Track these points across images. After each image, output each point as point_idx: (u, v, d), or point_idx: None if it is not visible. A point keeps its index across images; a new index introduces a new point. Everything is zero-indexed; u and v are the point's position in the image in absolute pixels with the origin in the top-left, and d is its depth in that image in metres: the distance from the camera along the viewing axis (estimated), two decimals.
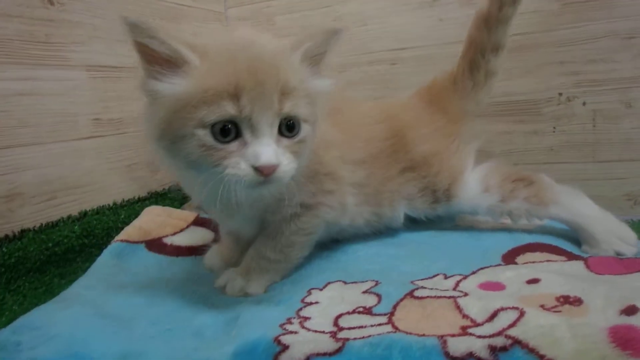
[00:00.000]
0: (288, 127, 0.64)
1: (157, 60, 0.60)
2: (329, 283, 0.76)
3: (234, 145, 0.60)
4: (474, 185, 0.91)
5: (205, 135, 0.59)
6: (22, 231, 0.92)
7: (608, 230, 0.83)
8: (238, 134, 0.61)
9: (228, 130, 0.60)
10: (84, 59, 1.07)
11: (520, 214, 0.89)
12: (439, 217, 0.96)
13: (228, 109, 0.59)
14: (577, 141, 1.21)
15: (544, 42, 1.19)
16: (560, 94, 1.20)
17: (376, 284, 0.73)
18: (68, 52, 1.03)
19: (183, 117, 0.59)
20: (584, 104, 1.19)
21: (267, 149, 0.60)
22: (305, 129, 0.66)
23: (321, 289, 0.74)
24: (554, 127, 1.22)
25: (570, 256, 0.80)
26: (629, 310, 0.56)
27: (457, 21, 1.25)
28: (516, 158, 1.26)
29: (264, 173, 0.60)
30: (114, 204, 1.12)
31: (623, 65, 1.14)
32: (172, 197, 1.27)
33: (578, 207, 0.87)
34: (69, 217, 1.01)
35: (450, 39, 1.26)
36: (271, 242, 0.80)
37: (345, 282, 0.76)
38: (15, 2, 0.93)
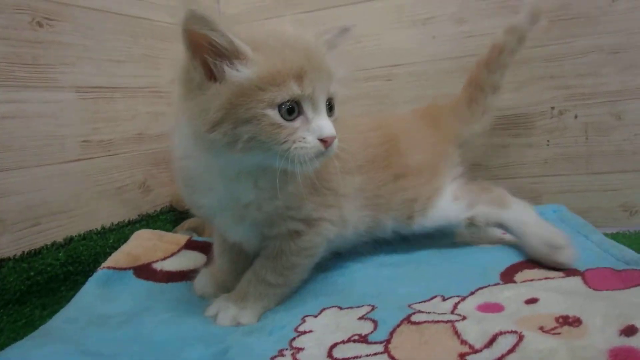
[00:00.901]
0: (329, 108, 0.71)
1: (214, 51, 0.64)
2: (324, 309, 0.74)
3: (298, 122, 0.66)
4: (447, 197, 0.95)
5: (275, 115, 0.65)
6: (1, 260, 0.88)
7: (542, 241, 0.84)
8: (299, 112, 0.67)
9: (292, 109, 0.66)
10: (73, 80, 1.05)
11: (482, 220, 0.93)
12: (413, 235, 0.96)
13: (295, 89, 0.65)
14: (571, 153, 1.22)
15: (534, 57, 1.21)
16: (553, 108, 1.22)
17: (372, 309, 0.72)
18: (56, 73, 1.02)
19: (251, 100, 0.64)
20: (575, 117, 1.20)
21: (328, 122, 0.68)
22: (337, 109, 0.73)
23: (316, 316, 0.72)
24: (548, 140, 1.24)
25: (568, 271, 0.79)
26: (629, 331, 0.56)
27: (450, 38, 1.28)
28: (512, 171, 1.27)
29: (327, 143, 0.67)
30: (103, 228, 1.09)
31: (610, 78, 1.17)
32: (164, 219, 1.25)
33: (523, 216, 0.91)
34: (53, 243, 0.97)
35: (443, 56, 1.29)
36: (271, 263, 0.79)
37: (340, 308, 0.74)
38: (1, 25, 0.91)
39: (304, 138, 0.66)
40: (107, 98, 1.13)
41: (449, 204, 0.94)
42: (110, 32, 1.14)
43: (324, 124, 0.67)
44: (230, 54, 0.64)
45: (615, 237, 0.96)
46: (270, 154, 0.66)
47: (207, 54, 0.64)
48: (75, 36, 1.05)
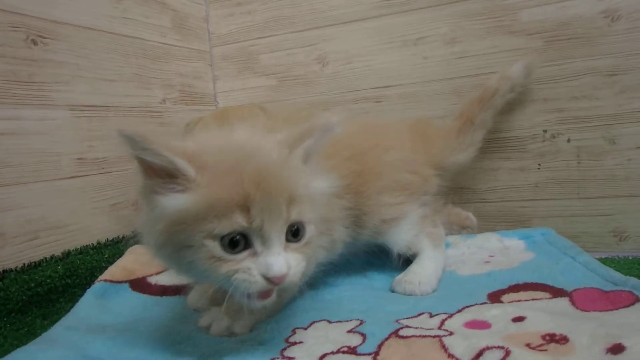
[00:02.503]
0: (294, 233, 0.63)
1: (156, 172, 0.59)
2: (313, 322, 0.75)
3: (243, 255, 0.59)
4: (408, 222, 0.95)
5: (214, 247, 0.58)
6: (4, 272, 0.90)
7: (421, 278, 0.88)
8: (247, 245, 0.60)
9: (237, 242, 0.59)
10: (67, 99, 1.07)
11: (412, 248, 0.95)
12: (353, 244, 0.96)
13: (239, 221, 0.57)
14: (562, 178, 1.21)
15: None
16: (545, 131, 1.21)
17: (361, 323, 0.73)
18: (51, 91, 1.03)
19: (190, 229, 0.58)
20: (568, 140, 1.19)
21: (279, 258, 0.59)
22: (310, 231, 0.65)
23: (305, 328, 0.73)
24: (539, 164, 1.22)
25: (555, 292, 0.79)
26: (616, 349, 0.56)
27: (441, 59, 1.27)
28: (501, 194, 1.26)
29: (275, 282, 0.59)
30: (98, 243, 1.11)
31: (605, 102, 1.15)
32: None
33: (435, 260, 0.93)
34: (52, 257, 0.99)
35: (434, 77, 1.29)
36: None
37: (329, 322, 0.75)
38: None
39: (249, 269, 0.59)
40: (100, 117, 1.15)
41: (404, 231, 0.94)
42: (102, 51, 1.16)
43: (272, 262, 0.58)
44: (172, 175, 0.58)
45: (604, 262, 0.94)
46: (214, 280, 0.61)
47: (153, 176, 0.60)
48: (68, 55, 1.07)
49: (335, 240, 0.86)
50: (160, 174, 0.59)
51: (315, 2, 1.39)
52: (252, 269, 0.59)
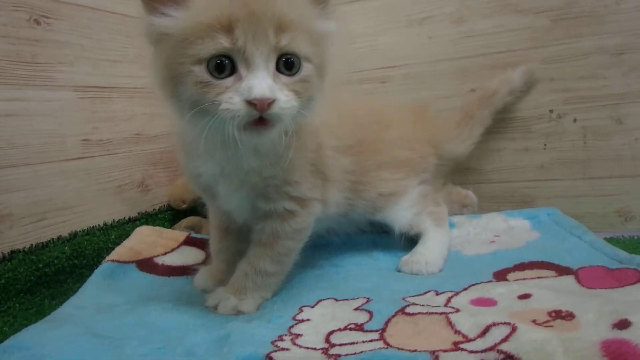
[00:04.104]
0: (287, 64, 0.62)
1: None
2: (320, 301, 0.76)
3: (229, 81, 0.60)
4: (407, 200, 0.97)
5: (201, 72, 0.59)
6: (12, 252, 0.91)
7: (427, 258, 0.89)
8: (234, 70, 0.60)
9: (223, 66, 0.59)
10: (71, 79, 1.06)
11: (415, 227, 0.95)
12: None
13: (222, 42, 0.58)
14: (568, 158, 1.20)
15: (533, 58, 1.19)
16: (551, 111, 1.20)
17: (367, 301, 0.73)
18: (55, 72, 1.03)
19: (180, 55, 0.59)
20: (574, 120, 1.18)
21: (261, 82, 0.59)
22: (306, 68, 0.64)
23: (312, 307, 0.74)
24: (545, 144, 1.21)
25: (560, 270, 0.80)
26: (621, 325, 0.56)
27: (447, 39, 1.26)
28: (506, 175, 1.25)
29: (257, 107, 0.58)
30: (105, 224, 1.11)
31: (613, 81, 1.14)
32: (163, 217, 1.27)
33: (441, 239, 0.94)
34: (59, 238, 1.00)
35: (439, 57, 1.27)
36: (268, 251, 0.79)
37: (336, 300, 0.76)
38: (0, 22, 0.93)
39: (230, 98, 0.59)
40: (104, 98, 1.15)
41: (405, 208, 0.96)
42: (106, 32, 1.15)
43: (253, 84, 0.58)
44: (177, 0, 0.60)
45: (609, 242, 0.94)
46: (209, 118, 0.60)
47: (155, 6, 0.61)
48: (72, 35, 1.07)
49: (327, 199, 0.85)
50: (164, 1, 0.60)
51: None
52: (234, 97, 0.59)
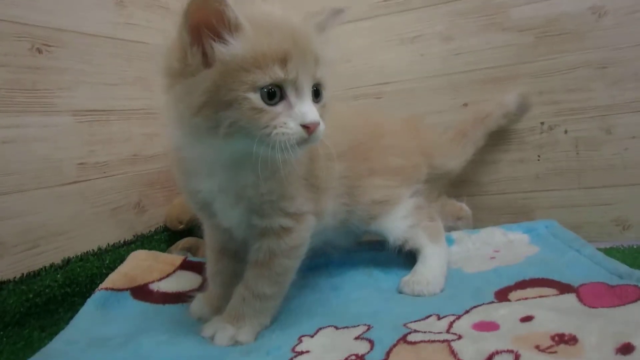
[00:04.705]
0: (315, 93, 0.70)
1: (214, 29, 0.64)
2: (320, 329, 0.75)
3: (280, 107, 0.65)
4: (401, 210, 0.97)
5: (256, 99, 0.64)
6: (1, 283, 0.89)
7: (428, 278, 0.89)
8: (282, 97, 0.66)
9: (274, 93, 0.65)
10: (70, 104, 1.06)
11: (410, 242, 0.95)
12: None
13: (278, 73, 0.64)
14: (562, 168, 1.22)
15: (522, 73, 1.22)
16: (542, 123, 1.22)
17: (368, 329, 0.72)
18: (54, 97, 1.03)
19: (234, 82, 0.63)
20: (565, 132, 1.21)
21: (312, 108, 0.67)
22: (326, 95, 0.73)
23: (312, 336, 0.73)
24: (539, 155, 1.24)
25: (562, 287, 0.79)
26: (625, 349, 0.56)
27: (437, 56, 1.30)
28: (503, 187, 1.27)
29: (310, 130, 0.66)
30: (99, 249, 1.10)
31: (599, 93, 1.17)
32: (159, 239, 1.25)
33: (438, 257, 0.94)
34: (51, 265, 0.98)
35: (431, 73, 1.31)
36: (265, 271, 0.78)
37: (336, 328, 0.74)
38: (2, 52, 0.93)
39: (285, 123, 0.65)
40: (102, 121, 1.14)
41: (398, 218, 0.96)
42: (105, 56, 1.16)
43: (307, 110, 0.66)
44: (230, 28, 0.64)
45: (608, 252, 0.95)
46: (252, 140, 0.65)
47: (205, 37, 0.64)
48: (72, 61, 1.07)
49: (321, 209, 0.86)
50: (219, 30, 0.64)
51: (313, 3, 1.36)
52: (289, 122, 0.65)
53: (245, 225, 0.80)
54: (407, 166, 1.02)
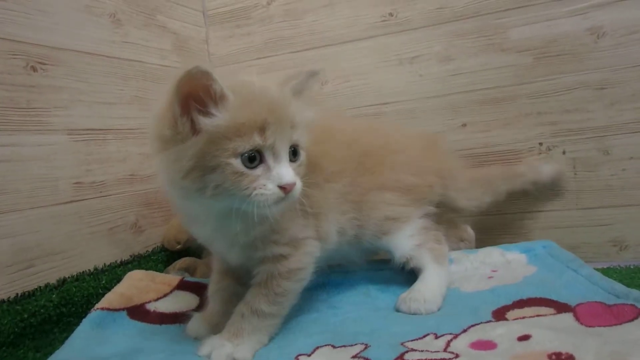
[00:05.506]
0: (293, 154, 0.76)
1: (200, 101, 0.69)
2: (317, 348, 0.74)
3: (259, 170, 0.71)
4: (409, 229, 0.98)
5: (237, 164, 0.70)
6: None
7: (425, 296, 0.89)
8: (261, 160, 0.72)
9: (254, 158, 0.71)
10: (65, 123, 1.06)
11: (414, 262, 0.95)
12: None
13: (257, 140, 0.70)
14: (560, 189, 1.22)
15: (520, 94, 1.23)
16: (541, 144, 1.23)
17: (365, 348, 0.72)
18: (49, 116, 1.03)
19: (217, 149, 0.69)
20: (563, 152, 1.21)
21: (288, 170, 0.73)
22: (302, 154, 0.79)
23: (309, 355, 0.72)
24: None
25: (559, 307, 0.79)
26: None
27: (436, 76, 1.30)
28: (501, 207, 1.25)
29: (286, 190, 0.72)
30: (95, 269, 1.09)
31: (597, 114, 1.18)
32: (156, 259, 1.25)
33: (439, 277, 0.94)
34: (46, 285, 0.97)
35: (429, 94, 1.31)
36: (263, 290, 0.81)
37: (334, 347, 0.74)
38: None
39: (264, 185, 0.71)
40: (99, 140, 1.15)
41: (406, 237, 0.97)
42: (101, 75, 1.16)
43: (283, 172, 0.72)
44: (216, 101, 0.69)
45: (605, 272, 0.96)
46: (235, 199, 0.71)
47: (193, 108, 0.69)
48: (68, 80, 1.07)
49: (325, 231, 0.88)
50: (205, 103, 0.69)
51: (313, 24, 1.41)
52: (267, 184, 0.71)
53: (245, 258, 0.84)
54: (421, 185, 1.02)
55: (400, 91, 1.34)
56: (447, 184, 1.08)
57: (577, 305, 0.78)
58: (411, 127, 1.31)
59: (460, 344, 0.69)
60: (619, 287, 0.82)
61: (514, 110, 1.24)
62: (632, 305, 0.74)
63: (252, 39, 1.49)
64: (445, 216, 1.13)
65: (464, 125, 1.28)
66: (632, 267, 1.07)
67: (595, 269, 0.94)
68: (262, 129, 0.71)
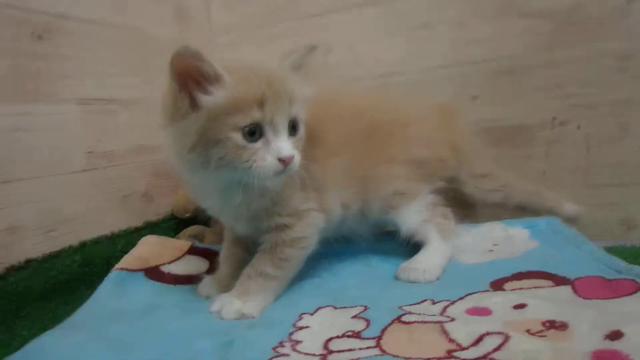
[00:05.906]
0: (292, 128, 0.78)
1: (197, 81, 0.72)
2: (319, 308, 0.78)
3: (259, 144, 0.74)
4: (417, 205, 0.99)
5: (238, 137, 0.73)
6: (27, 261, 0.94)
7: (425, 266, 0.91)
8: (261, 134, 0.74)
9: (254, 132, 0.74)
10: (74, 93, 1.08)
11: (420, 235, 0.97)
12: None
13: (256, 114, 0.73)
14: (570, 166, 1.18)
15: (535, 64, 1.17)
16: (554, 118, 1.18)
17: (365, 309, 0.75)
18: (58, 86, 1.05)
19: (219, 124, 0.73)
20: (578, 127, 1.16)
21: (286, 144, 0.76)
22: (302, 128, 0.81)
23: (312, 314, 0.77)
24: (547, 152, 1.20)
25: (557, 280, 0.80)
26: (613, 335, 0.57)
27: (447, 45, 1.25)
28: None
29: (285, 163, 0.74)
30: (112, 233, 1.14)
31: (619, 87, 1.11)
32: (167, 227, 1.29)
33: (442, 251, 0.95)
34: (69, 247, 1.03)
35: (439, 63, 1.26)
36: (268, 256, 0.85)
37: (335, 307, 0.78)
38: (5, 38, 0.94)
39: (264, 158, 0.74)
40: (107, 110, 1.17)
41: (414, 212, 0.97)
42: (107, 44, 1.17)
43: (282, 146, 0.75)
44: (212, 81, 0.72)
45: (611, 251, 0.92)
46: (237, 171, 0.75)
47: (191, 85, 0.73)
48: (73, 49, 1.08)
49: (329, 206, 0.90)
50: (201, 81, 0.72)
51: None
52: (267, 157, 0.74)
53: (251, 228, 0.88)
54: (433, 159, 1.01)
55: (406, 61, 1.28)
56: (461, 160, 1.06)
57: (576, 279, 0.78)
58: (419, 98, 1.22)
59: (457, 310, 0.72)
60: (621, 264, 0.81)
61: (527, 82, 1.18)
62: (632, 280, 0.74)
63: (255, 8, 1.45)
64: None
65: (475, 97, 1.23)
66: (638, 246, 1.01)
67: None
68: (261, 104, 0.73)
